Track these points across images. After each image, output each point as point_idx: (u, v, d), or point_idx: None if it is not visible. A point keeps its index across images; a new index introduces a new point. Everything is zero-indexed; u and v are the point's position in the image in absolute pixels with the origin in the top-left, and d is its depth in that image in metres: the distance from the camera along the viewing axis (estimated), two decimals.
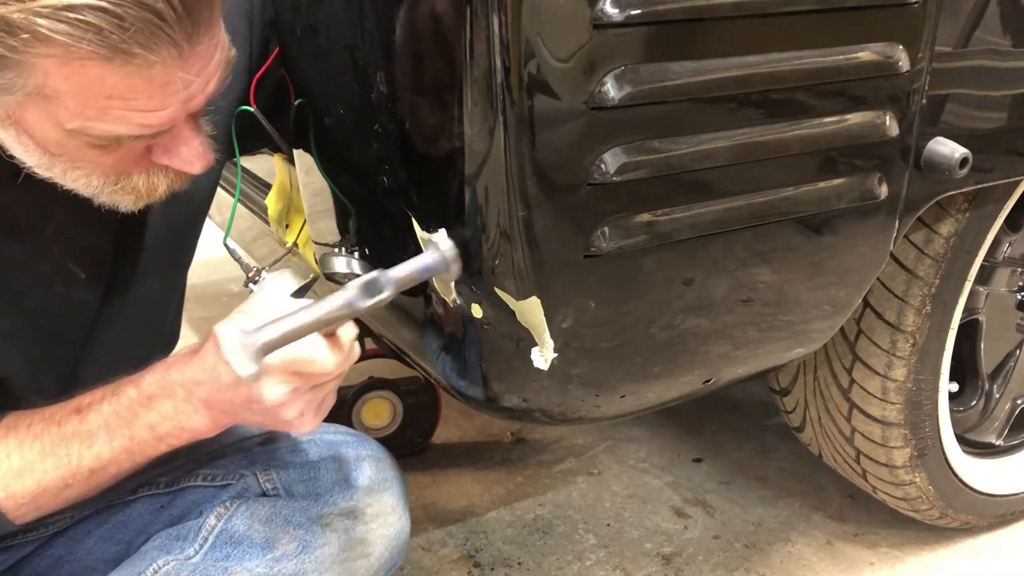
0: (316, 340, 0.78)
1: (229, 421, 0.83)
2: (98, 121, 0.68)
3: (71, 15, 0.61)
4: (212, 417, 0.82)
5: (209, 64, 0.71)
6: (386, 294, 0.79)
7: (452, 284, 0.91)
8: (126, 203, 0.79)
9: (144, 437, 0.82)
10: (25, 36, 0.62)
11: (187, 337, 1.07)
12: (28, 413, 0.84)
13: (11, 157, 0.74)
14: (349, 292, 0.78)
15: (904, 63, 0.97)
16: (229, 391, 0.79)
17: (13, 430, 0.83)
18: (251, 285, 1.03)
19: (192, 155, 0.76)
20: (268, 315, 0.79)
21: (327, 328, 0.79)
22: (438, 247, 0.84)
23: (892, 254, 1.13)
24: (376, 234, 1.02)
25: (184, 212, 0.98)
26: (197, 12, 0.66)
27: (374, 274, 0.80)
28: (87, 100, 0.67)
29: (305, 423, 0.82)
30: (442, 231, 0.85)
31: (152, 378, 0.82)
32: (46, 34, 0.62)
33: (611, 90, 0.81)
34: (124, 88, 0.66)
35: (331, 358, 0.79)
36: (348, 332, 0.81)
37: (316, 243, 1.13)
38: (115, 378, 0.89)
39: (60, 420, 0.82)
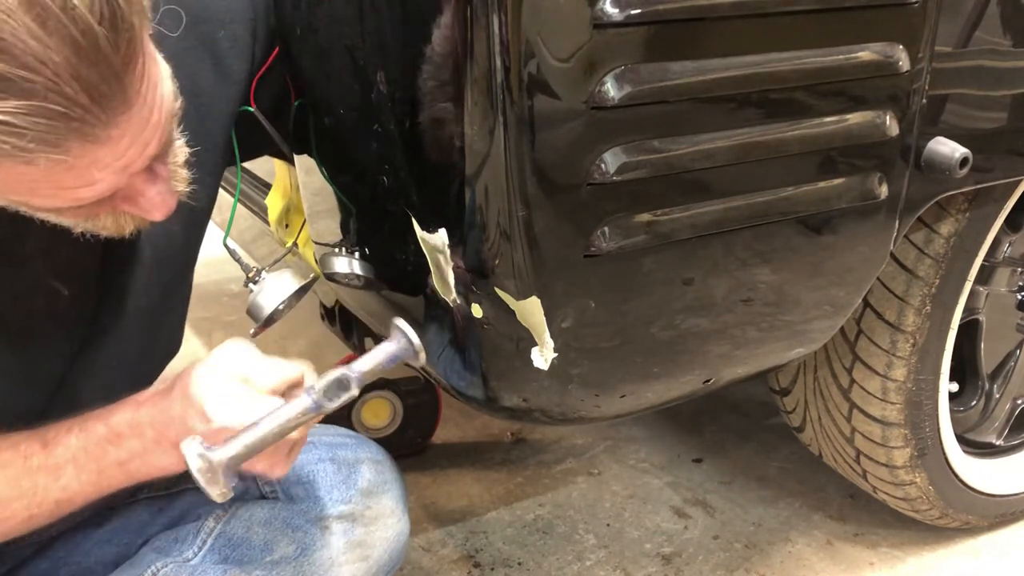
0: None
1: None
2: (32, 198, 0.67)
3: None
4: (180, 458, 0.81)
5: (143, 131, 0.67)
6: (353, 391, 0.79)
7: (452, 283, 0.91)
8: (103, 234, 0.78)
9: (112, 472, 0.82)
10: None
11: (188, 338, 1.07)
12: None
13: None
14: (314, 395, 0.77)
15: (904, 63, 0.97)
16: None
17: None
18: (251, 285, 1.03)
19: (149, 205, 0.74)
20: (235, 370, 0.79)
21: (297, 429, 0.79)
22: (404, 333, 0.82)
23: (892, 254, 1.13)
24: (376, 234, 1.02)
25: (183, 223, 0.97)
26: (108, 99, 0.62)
27: (338, 373, 0.79)
28: (15, 187, 0.65)
29: (276, 471, 0.82)
30: (399, 320, 0.83)
31: (121, 417, 0.82)
32: None
33: (611, 90, 0.81)
34: (45, 175, 0.63)
35: (299, 432, 0.79)
36: None
37: (316, 243, 1.13)
38: (115, 389, 0.88)
39: (26, 453, 0.81)
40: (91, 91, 0.60)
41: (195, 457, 0.73)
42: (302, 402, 0.77)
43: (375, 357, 0.81)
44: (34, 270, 0.85)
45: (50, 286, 0.86)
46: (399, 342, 0.82)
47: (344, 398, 0.78)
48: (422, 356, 0.83)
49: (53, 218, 0.73)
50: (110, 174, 0.67)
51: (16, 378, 0.86)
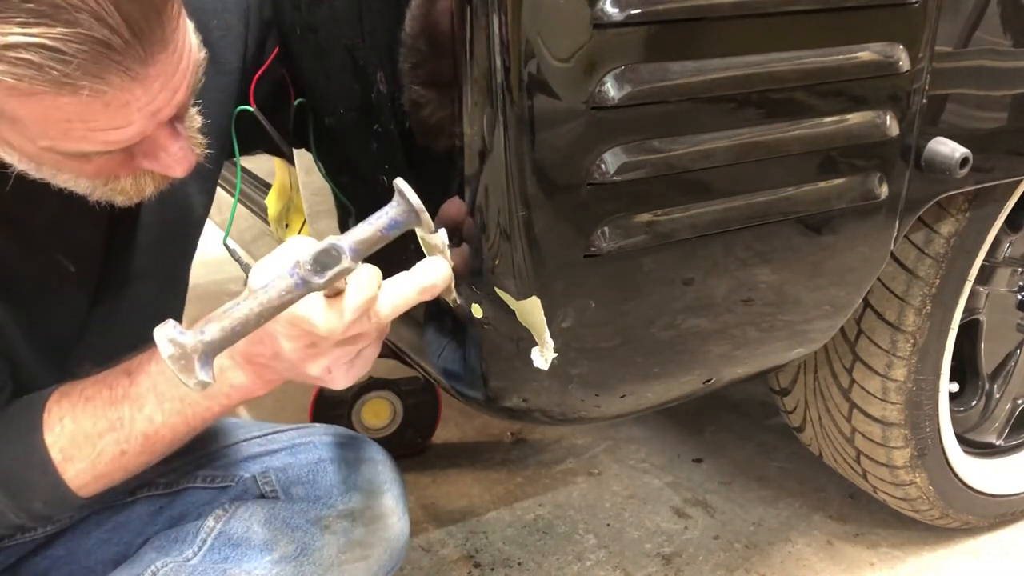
0: (313, 299, 0.73)
1: (272, 378, 0.80)
2: (63, 141, 0.68)
3: (10, 54, 0.60)
4: (256, 373, 0.80)
5: (174, 75, 0.69)
6: (344, 264, 0.70)
7: (452, 283, 0.91)
8: (119, 201, 0.79)
9: (193, 398, 0.80)
10: None
11: None
12: (83, 380, 0.83)
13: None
14: (299, 270, 0.69)
15: (904, 63, 0.97)
16: (259, 345, 0.77)
17: (67, 396, 0.82)
18: None
19: (171, 160, 0.75)
20: (288, 256, 0.73)
21: (284, 310, 0.70)
22: (403, 194, 0.72)
23: (892, 254, 1.13)
24: None
25: (180, 213, 0.98)
26: (147, 35, 0.64)
27: (327, 242, 0.69)
28: (47, 124, 0.66)
29: (336, 379, 0.79)
30: (399, 179, 0.75)
31: None
32: None
33: (611, 90, 0.81)
34: (81, 112, 0.65)
35: (327, 320, 0.73)
36: (354, 296, 0.73)
37: None
38: None
39: (111, 383, 0.81)
40: (132, 24, 0.63)
41: (166, 343, 0.66)
42: (286, 279, 0.69)
43: (371, 223, 0.72)
44: (44, 244, 0.86)
45: (58, 262, 0.87)
46: (398, 204, 0.72)
47: (335, 271, 0.69)
48: (424, 218, 0.74)
49: (72, 181, 0.74)
50: (141, 118, 0.68)
51: (30, 352, 0.87)
